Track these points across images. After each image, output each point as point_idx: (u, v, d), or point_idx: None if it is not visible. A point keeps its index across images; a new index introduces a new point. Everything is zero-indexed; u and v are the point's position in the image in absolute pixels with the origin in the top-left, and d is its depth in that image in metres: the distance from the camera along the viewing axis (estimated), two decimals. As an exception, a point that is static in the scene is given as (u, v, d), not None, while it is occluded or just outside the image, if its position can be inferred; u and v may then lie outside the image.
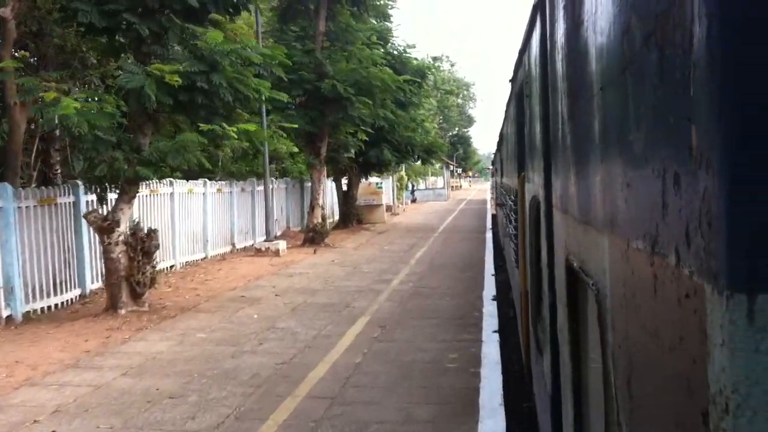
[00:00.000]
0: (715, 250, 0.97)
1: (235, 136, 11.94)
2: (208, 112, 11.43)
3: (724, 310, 0.94)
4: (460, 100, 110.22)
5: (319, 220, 21.81)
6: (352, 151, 24.45)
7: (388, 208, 40.92)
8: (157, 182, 15.07)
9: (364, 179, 29.00)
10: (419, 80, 27.34)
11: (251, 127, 12.59)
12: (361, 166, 27.61)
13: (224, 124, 11.57)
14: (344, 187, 28.02)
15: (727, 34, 0.94)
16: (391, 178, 40.08)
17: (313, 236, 21.61)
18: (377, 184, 33.03)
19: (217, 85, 10.96)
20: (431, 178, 74.38)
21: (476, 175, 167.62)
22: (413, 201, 56.38)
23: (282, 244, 19.96)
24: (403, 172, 49.25)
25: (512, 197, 9.23)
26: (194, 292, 13.78)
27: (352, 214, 27.44)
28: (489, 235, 23.60)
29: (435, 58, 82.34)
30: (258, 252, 19.55)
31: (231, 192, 20.59)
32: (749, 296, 0.93)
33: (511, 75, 8.15)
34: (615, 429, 1.77)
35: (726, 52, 0.95)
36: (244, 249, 20.85)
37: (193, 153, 11.20)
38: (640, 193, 1.38)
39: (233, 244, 20.54)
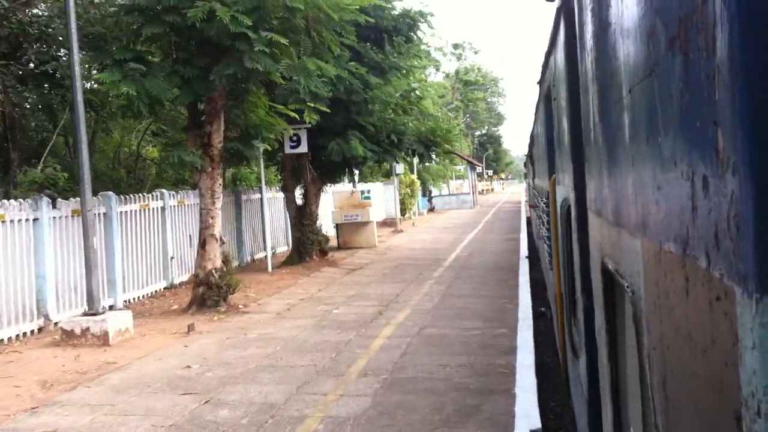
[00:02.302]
0: (743, 253, 0.99)
1: None
2: None
3: (754, 313, 0.96)
4: (489, 98, 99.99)
5: (217, 263, 12.12)
6: (286, 137, 14.80)
7: (388, 224, 31.13)
8: None
9: (330, 186, 19.17)
10: (404, 32, 17.50)
11: None
12: (320, 168, 17.93)
13: None
14: (298, 201, 18.28)
15: (749, 37, 0.96)
16: (394, 182, 30.23)
17: (205, 293, 11.95)
18: (363, 193, 23.28)
19: None
20: (455, 182, 64.33)
21: (509, 176, 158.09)
22: (431, 210, 46.42)
23: (123, 319, 10.31)
24: (414, 176, 39.38)
25: (544, 199, 9.10)
26: None
27: (309, 242, 17.68)
28: (524, 281, 13.79)
29: (456, 45, 72.49)
30: (68, 337, 9.92)
31: (36, 220, 11.02)
32: None
33: (538, 75, 8.25)
34: (652, 430, 1.78)
35: (748, 55, 0.96)
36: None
37: None
38: (671, 196, 1.39)
39: (45, 316, 10.94)
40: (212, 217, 12.09)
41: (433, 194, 48.58)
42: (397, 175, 29.68)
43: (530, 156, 18.56)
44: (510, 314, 11.26)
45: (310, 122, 14.65)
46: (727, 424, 1.07)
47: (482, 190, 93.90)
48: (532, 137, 14.99)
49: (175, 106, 13.16)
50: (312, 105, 14.39)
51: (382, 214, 34.25)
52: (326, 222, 23.54)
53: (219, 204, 12.23)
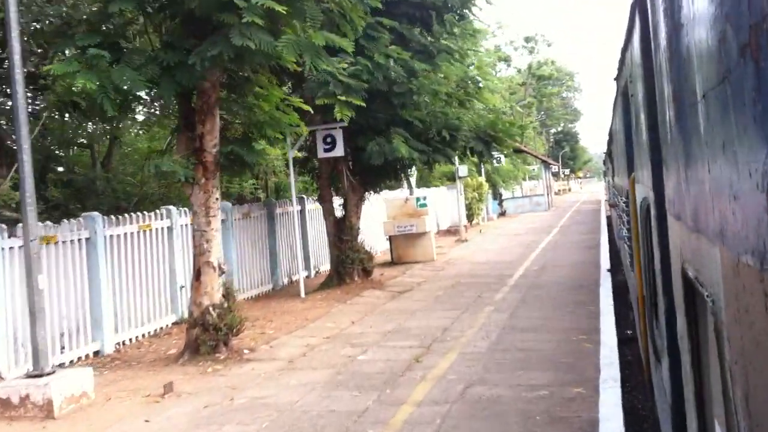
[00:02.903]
0: None
1: None
2: None
3: None
4: (564, 93, 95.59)
5: (215, 299, 9.67)
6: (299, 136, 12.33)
7: (452, 232, 28.33)
8: None
9: (371, 194, 16.52)
10: (456, 7, 14.76)
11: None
12: (361, 174, 15.35)
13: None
14: (337, 213, 15.74)
15: None
16: (457, 186, 27.40)
17: (199, 337, 9.52)
18: (418, 200, 20.58)
19: None
20: (529, 183, 60.77)
21: (588, 175, 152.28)
22: (502, 214, 43.23)
23: (78, 381, 7.97)
24: (482, 178, 36.39)
25: (624, 198, 8.96)
26: None
27: (349, 260, 15.08)
28: (607, 307, 10.93)
29: (528, 39, 68.86)
30: (3, 408, 7.61)
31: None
32: None
33: (615, 71, 8.08)
34: None
35: None
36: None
37: None
38: (746, 206, 1.36)
39: (-2, 374, 8.74)
40: (207, 241, 9.65)
41: (504, 197, 45.35)
42: (460, 178, 26.81)
43: (609, 153, 17.98)
44: (589, 359, 8.48)
45: (341, 119, 12.12)
46: None
47: (558, 191, 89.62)
48: (610, 134, 14.65)
49: (159, 103, 10.80)
50: (344, 98, 11.88)
51: (445, 221, 31.42)
52: (375, 235, 21.04)
53: (216, 224, 9.78)
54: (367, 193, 15.83)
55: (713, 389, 2.43)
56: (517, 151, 46.61)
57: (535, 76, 68.25)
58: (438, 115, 14.79)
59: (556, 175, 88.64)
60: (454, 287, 14.87)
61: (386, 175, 15.63)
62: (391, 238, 20.48)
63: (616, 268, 16.25)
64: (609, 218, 25.95)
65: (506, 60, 64.72)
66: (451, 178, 36.28)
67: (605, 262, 16.61)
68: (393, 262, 20.34)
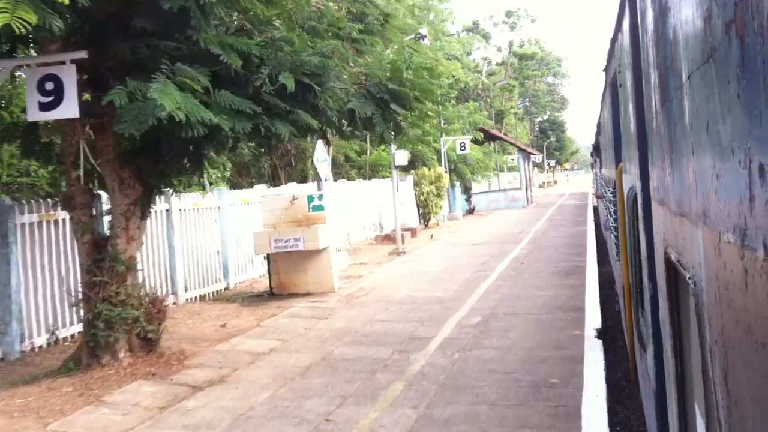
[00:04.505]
0: None
1: None
2: None
3: None
4: (551, 79, 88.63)
5: None
6: None
7: (391, 239, 21.35)
8: None
9: (173, 195, 9.36)
10: None
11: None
12: (141, 156, 8.14)
13: None
14: (104, 230, 8.56)
15: None
16: (393, 178, 20.21)
17: None
18: (311, 199, 13.49)
19: None
20: (507, 175, 53.77)
21: (575, 166, 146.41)
22: (470, 211, 36.20)
23: None
24: (442, 169, 29.33)
25: (611, 189, 8.91)
26: None
27: (109, 321, 7.82)
28: None
29: (509, 13, 61.65)
30: None
31: None
32: None
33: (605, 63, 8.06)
34: (716, 426, 1.75)
35: None
36: None
37: None
38: (729, 184, 1.36)
39: None
40: None
41: (475, 192, 38.30)
42: (397, 167, 19.65)
43: (597, 146, 18.06)
44: None
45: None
46: None
47: (543, 183, 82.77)
48: (598, 125, 14.14)
49: None
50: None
51: (391, 223, 24.32)
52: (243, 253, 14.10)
53: None
54: (153, 194, 8.60)
55: (693, 373, 2.43)
56: (490, 137, 39.52)
57: (516, 55, 60.96)
58: (280, 46, 7.66)
59: (539, 166, 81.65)
60: (313, 371, 7.82)
61: (190, 156, 8.39)
62: (269, 258, 13.41)
63: (615, 326, 9.40)
64: (595, 208, 25.12)
65: (485, 36, 57.52)
66: (408, 168, 29.33)
67: (593, 310, 9.70)
68: (272, 293, 13.31)
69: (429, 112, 9.21)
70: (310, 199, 13.44)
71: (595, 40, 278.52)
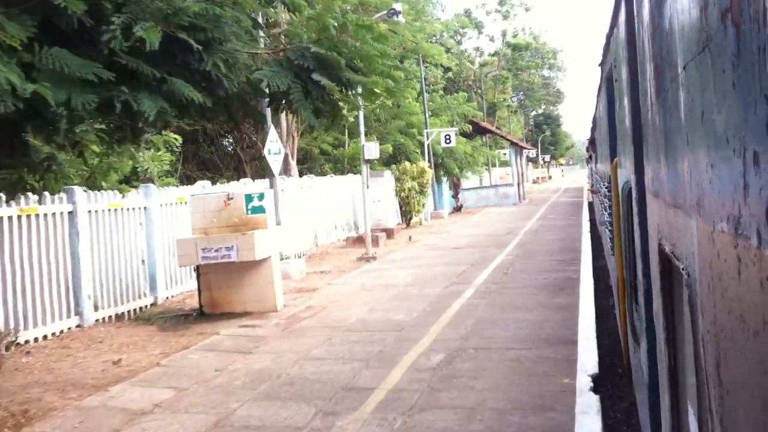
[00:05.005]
0: None
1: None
2: None
3: None
4: (546, 72, 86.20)
5: None
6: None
7: (360, 241, 19.11)
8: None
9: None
10: None
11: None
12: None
13: None
14: None
15: None
16: (363, 173, 17.82)
17: None
18: (249, 198, 11.15)
19: None
20: (500, 170, 51.41)
21: (570, 162, 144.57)
22: (457, 209, 33.90)
23: None
24: (424, 164, 26.98)
25: (606, 183, 8.76)
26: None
27: None
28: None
29: (502, 2, 59.14)
30: None
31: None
32: None
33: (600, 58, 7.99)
34: (707, 416, 1.73)
35: None
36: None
37: None
38: (723, 173, 1.34)
39: None
40: None
41: (464, 188, 35.97)
42: (366, 161, 17.25)
43: (592, 141, 17.32)
44: None
45: None
46: None
47: (537, 179, 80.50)
48: (594, 121, 13.86)
49: None
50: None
51: (345, 227, 21.95)
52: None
53: None
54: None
55: (686, 364, 2.41)
56: (480, 130, 37.16)
57: (509, 45, 58.48)
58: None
59: (533, 161, 79.31)
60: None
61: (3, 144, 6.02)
62: (199, 270, 11.07)
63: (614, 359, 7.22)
64: (591, 204, 25.08)
65: (478, 26, 55.02)
66: (389, 162, 27.08)
67: (588, 343, 7.43)
68: (202, 313, 10.98)
69: (375, 88, 6.88)
70: (249, 199, 11.10)
71: (590, 34, 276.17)
